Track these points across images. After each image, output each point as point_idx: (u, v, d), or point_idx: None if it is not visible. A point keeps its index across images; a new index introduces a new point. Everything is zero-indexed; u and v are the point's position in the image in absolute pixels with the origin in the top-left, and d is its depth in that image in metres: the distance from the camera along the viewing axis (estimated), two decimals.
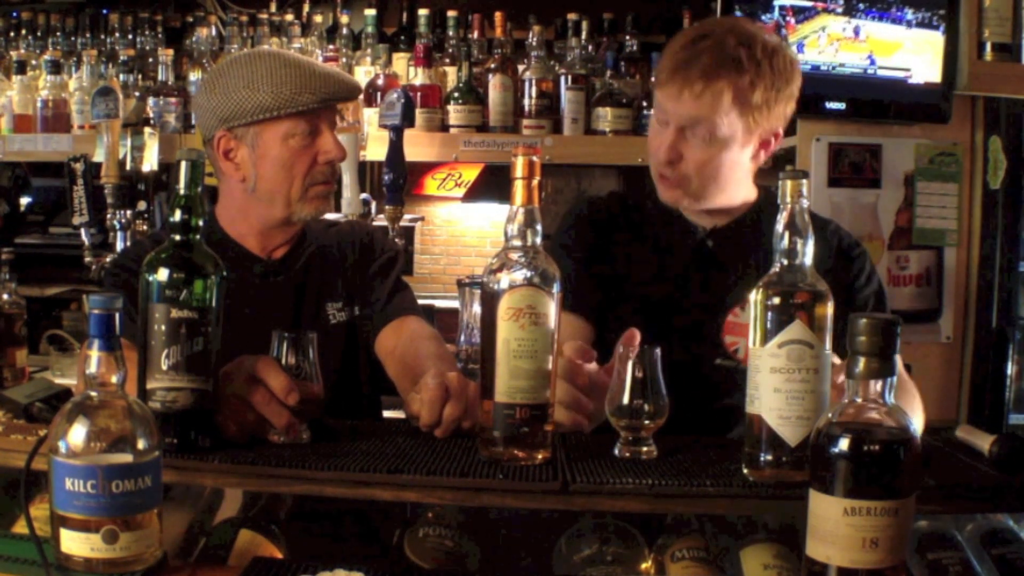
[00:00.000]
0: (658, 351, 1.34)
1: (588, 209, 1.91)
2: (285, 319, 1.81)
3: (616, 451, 1.34)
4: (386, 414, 2.05)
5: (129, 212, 2.82)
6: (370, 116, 2.80)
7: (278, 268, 1.86)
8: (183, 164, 1.29)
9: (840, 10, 2.61)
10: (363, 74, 2.91)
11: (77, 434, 1.05)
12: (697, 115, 1.65)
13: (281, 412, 1.32)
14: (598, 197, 1.97)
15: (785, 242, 1.22)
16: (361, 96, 2.84)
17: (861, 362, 1.00)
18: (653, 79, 1.80)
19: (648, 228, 1.85)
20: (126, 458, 1.05)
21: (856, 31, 2.61)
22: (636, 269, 1.81)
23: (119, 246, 2.81)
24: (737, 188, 1.78)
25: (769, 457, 1.21)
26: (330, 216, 2.35)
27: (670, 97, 1.67)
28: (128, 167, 2.85)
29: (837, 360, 1.24)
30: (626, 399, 1.32)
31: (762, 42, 1.66)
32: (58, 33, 3.18)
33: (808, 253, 1.23)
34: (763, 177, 1.87)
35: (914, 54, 2.58)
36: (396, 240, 2.60)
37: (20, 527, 1.26)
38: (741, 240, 1.78)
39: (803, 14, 2.60)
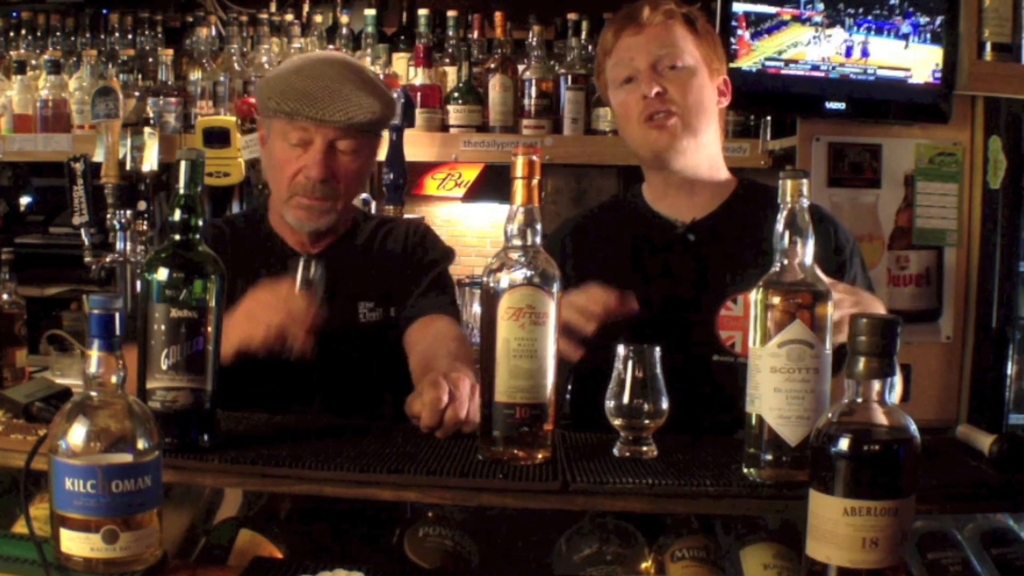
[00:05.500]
0: (658, 350, 1.34)
1: (562, 236, 1.92)
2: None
3: (616, 451, 1.34)
4: None
5: (129, 212, 2.82)
6: None
7: (310, 265, 1.86)
8: (183, 164, 1.29)
9: (820, 19, 2.52)
10: None
11: (77, 434, 1.05)
12: (661, 45, 1.72)
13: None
14: (573, 219, 1.98)
15: (785, 242, 1.22)
16: None
17: (861, 362, 1.00)
18: (601, 69, 1.83)
19: (627, 231, 1.84)
20: (126, 458, 1.05)
21: (848, 50, 2.52)
22: (618, 275, 1.80)
23: (119, 246, 2.81)
24: (715, 137, 1.81)
25: (769, 457, 1.20)
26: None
27: (631, 41, 1.74)
28: (128, 167, 2.85)
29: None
30: (626, 399, 1.32)
31: None
32: (58, 33, 3.18)
33: (808, 253, 1.22)
34: (763, 177, 1.87)
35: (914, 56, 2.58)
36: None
37: (20, 527, 1.26)
38: (722, 231, 1.78)
39: (762, 25, 2.51)
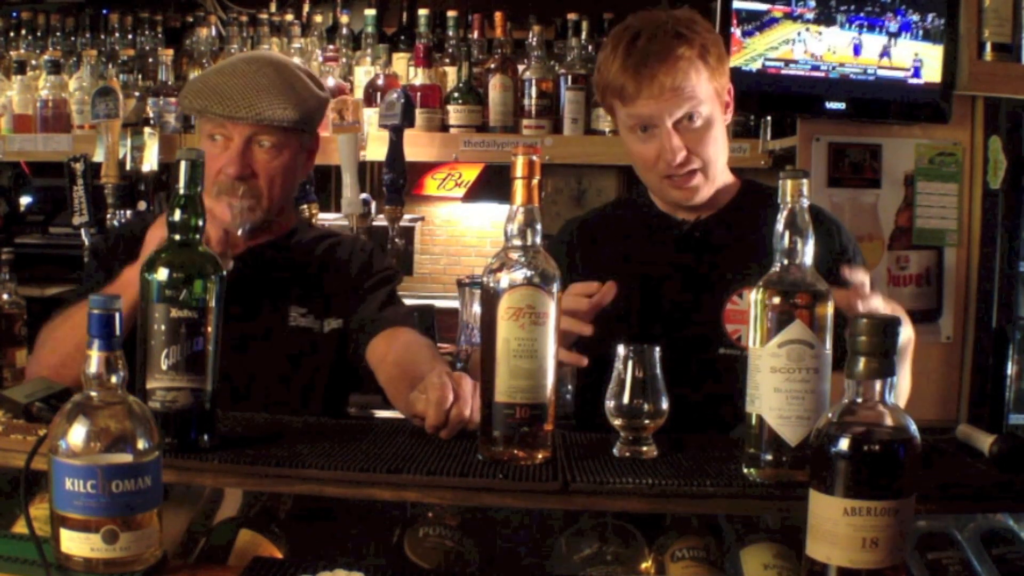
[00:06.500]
0: (657, 350, 1.34)
1: (569, 234, 1.93)
2: (233, 309, 1.81)
3: (616, 451, 1.34)
4: (379, 414, 2.05)
5: (129, 212, 2.82)
6: (370, 116, 2.80)
7: (243, 258, 1.86)
8: (183, 164, 1.29)
9: (811, 16, 2.51)
10: (363, 74, 2.91)
11: (77, 434, 1.05)
12: (680, 103, 1.67)
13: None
14: (580, 218, 1.99)
15: (785, 242, 1.22)
16: (361, 96, 2.85)
17: (861, 362, 1.00)
18: (605, 98, 1.78)
19: (633, 230, 1.86)
20: (126, 458, 1.05)
21: (857, 48, 2.50)
22: (625, 272, 1.80)
23: None
24: (726, 161, 1.82)
25: (769, 457, 1.21)
26: (333, 223, 2.36)
27: (650, 103, 1.68)
28: (128, 167, 2.85)
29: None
30: (626, 399, 1.32)
31: (676, 16, 1.72)
32: (58, 33, 3.18)
33: (808, 253, 1.23)
34: (763, 177, 1.87)
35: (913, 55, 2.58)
36: (399, 242, 2.62)
37: (20, 527, 1.26)
38: (728, 227, 1.80)
39: (753, 22, 2.48)
